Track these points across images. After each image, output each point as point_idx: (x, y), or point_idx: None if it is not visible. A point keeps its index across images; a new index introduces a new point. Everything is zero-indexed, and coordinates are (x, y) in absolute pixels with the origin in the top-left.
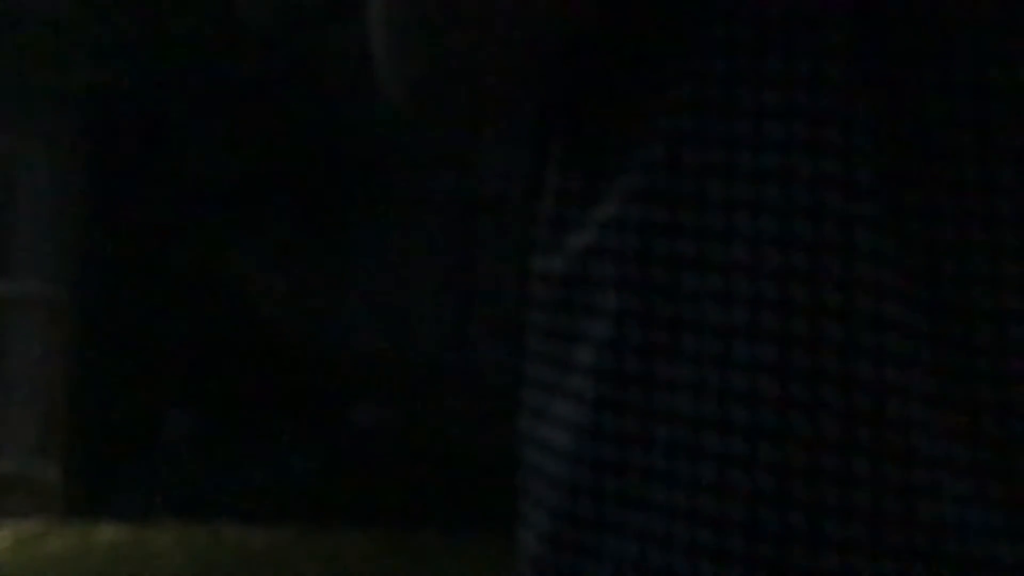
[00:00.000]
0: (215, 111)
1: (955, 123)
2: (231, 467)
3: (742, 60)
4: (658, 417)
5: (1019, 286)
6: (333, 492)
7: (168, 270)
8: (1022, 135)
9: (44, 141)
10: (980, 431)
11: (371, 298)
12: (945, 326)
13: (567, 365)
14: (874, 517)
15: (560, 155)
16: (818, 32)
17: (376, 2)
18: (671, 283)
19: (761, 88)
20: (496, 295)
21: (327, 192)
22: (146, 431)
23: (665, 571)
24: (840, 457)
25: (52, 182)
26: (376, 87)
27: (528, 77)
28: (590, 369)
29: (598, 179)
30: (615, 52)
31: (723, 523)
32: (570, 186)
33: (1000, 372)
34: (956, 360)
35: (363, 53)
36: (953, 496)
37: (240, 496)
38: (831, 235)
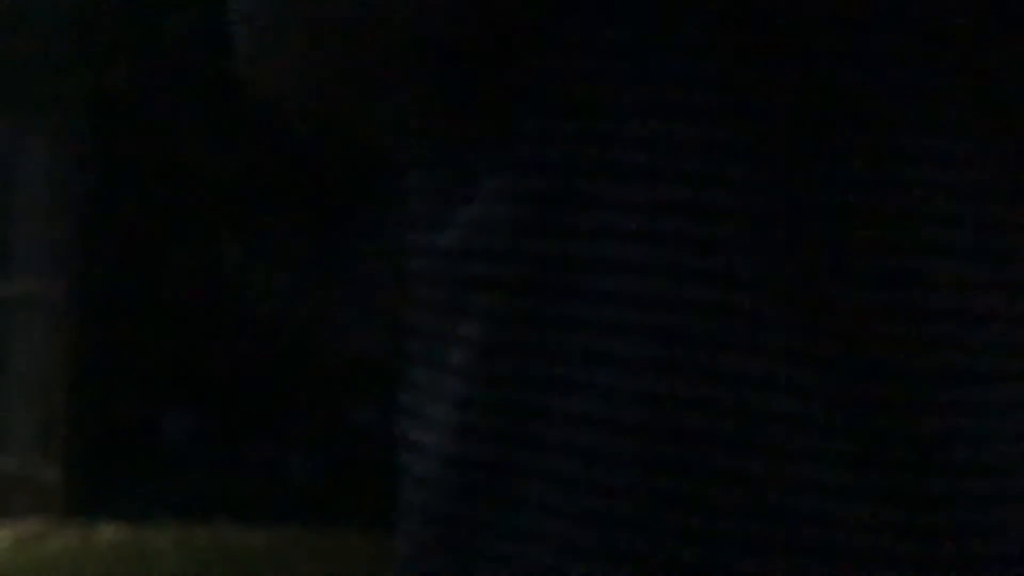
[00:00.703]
0: (215, 111)
1: (827, 119)
2: (231, 467)
3: (608, 59)
4: (527, 416)
5: (888, 278)
6: (333, 492)
7: (168, 270)
8: (880, 135)
9: (44, 140)
10: (852, 425)
11: (371, 298)
12: (811, 319)
13: (440, 366)
14: (738, 510)
15: (425, 154)
16: (687, 30)
17: None
18: (538, 282)
19: (627, 86)
20: None
21: (327, 192)
22: (146, 431)
23: (534, 568)
24: (704, 451)
25: (52, 181)
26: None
27: (403, 72)
28: (461, 369)
29: (464, 179)
30: (481, 50)
31: (589, 519)
32: (436, 186)
33: (869, 364)
34: (824, 352)
35: None
36: (821, 488)
37: (240, 496)
38: (695, 230)
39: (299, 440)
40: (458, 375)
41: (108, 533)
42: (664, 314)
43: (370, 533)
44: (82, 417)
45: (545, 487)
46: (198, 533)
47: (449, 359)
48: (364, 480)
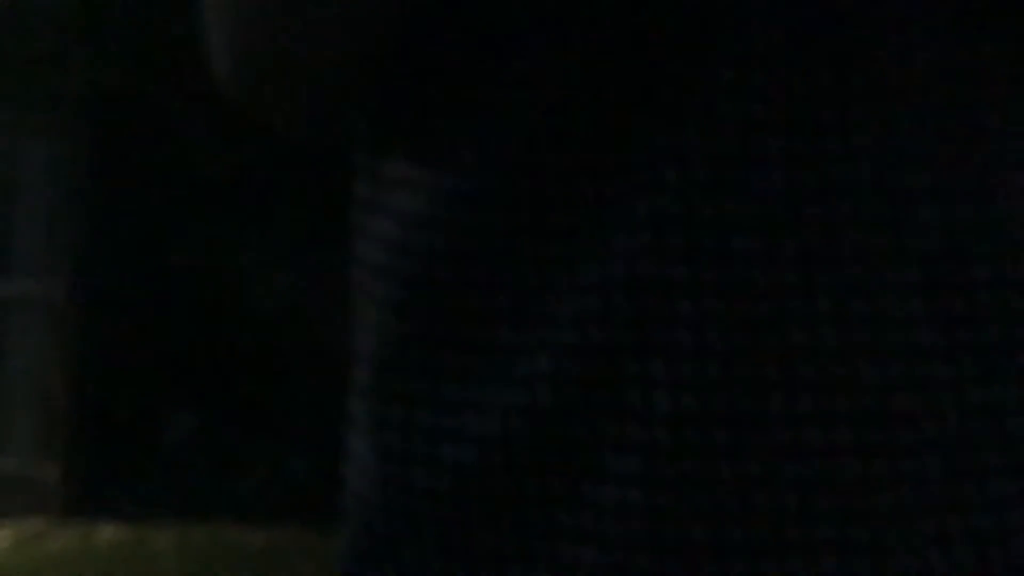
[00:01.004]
0: (215, 110)
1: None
2: (231, 467)
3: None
4: (418, 436)
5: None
6: (333, 492)
7: (168, 270)
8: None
9: (44, 141)
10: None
11: None
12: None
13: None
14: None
15: (362, 164)
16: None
17: None
18: (429, 305)
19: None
20: None
21: (329, 192)
22: (146, 431)
23: None
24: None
25: (52, 182)
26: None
27: (359, 74)
28: (364, 386)
29: (379, 193)
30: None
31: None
32: (365, 197)
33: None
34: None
35: None
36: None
37: (240, 496)
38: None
39: (299, 440)
40: (361, 390)
41: (108, 533)
42: (564, 331)
43: None
44: (82, 417)
45: (444, 509)
46: (198, 533)
47: (357, 372)
48: None
